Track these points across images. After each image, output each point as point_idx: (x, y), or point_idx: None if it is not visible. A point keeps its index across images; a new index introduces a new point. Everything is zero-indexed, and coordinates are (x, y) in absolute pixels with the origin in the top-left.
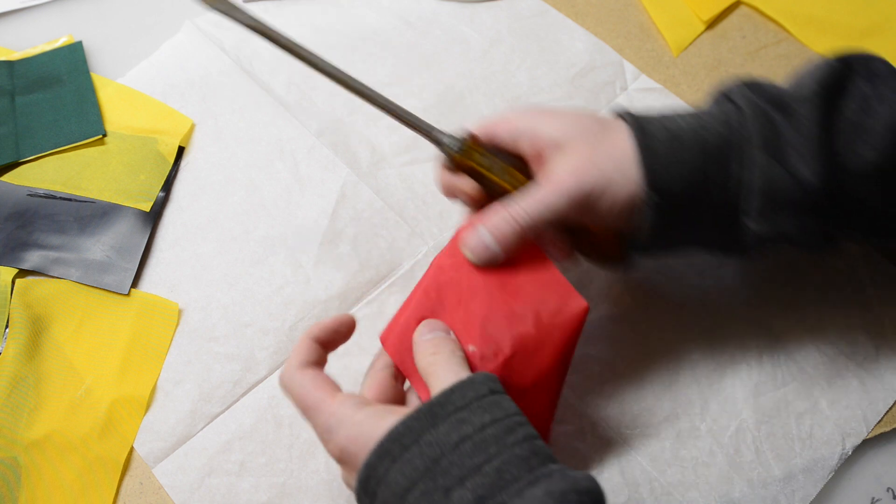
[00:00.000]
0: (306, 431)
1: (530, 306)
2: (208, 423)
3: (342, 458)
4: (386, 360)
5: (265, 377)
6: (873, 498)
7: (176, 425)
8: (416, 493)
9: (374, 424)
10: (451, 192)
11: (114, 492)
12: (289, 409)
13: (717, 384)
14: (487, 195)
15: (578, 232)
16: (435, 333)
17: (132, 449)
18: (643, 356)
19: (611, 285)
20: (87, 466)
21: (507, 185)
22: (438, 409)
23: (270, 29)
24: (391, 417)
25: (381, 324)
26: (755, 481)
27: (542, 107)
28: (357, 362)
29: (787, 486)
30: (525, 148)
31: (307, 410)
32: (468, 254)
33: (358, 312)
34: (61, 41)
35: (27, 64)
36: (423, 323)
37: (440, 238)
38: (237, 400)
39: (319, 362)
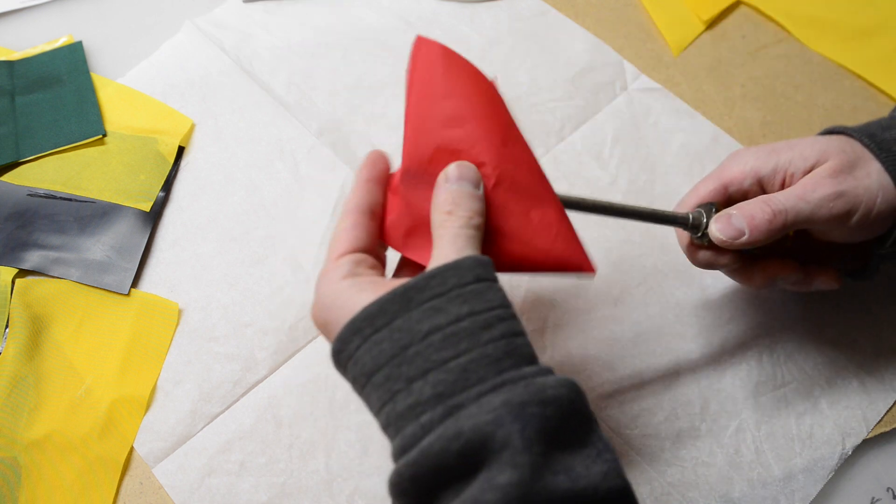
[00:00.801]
0: (306, 431)
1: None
2: (208, 423)
3: (318, 322)
4: (372, 173)
5: (265, 377)
6: (873, 498)
7: (176, 425)
8: (380, 377)
9: (351, 296)
10: (710, 266)
11: (114, 492)
12: (289, 409)
13: (717, 384)
14: (751, 259)
15: (817, 248)
16: (461, 184)
17: (132, 449)
18: (643, 356)
19: (610, 286)
20: (87, 466)
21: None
22: (415, 293)
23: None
24: (369, 294)
25: None
26: (755, 481)
27: (763, 146)
28: None
29: (787, 486)
30: (773, 185)
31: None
32: (717, 234)
33: None
34: (61, 41)
35: (27, 64)
36: (457, 165)
37: None
38: (237, 400)
39: (374, 205)
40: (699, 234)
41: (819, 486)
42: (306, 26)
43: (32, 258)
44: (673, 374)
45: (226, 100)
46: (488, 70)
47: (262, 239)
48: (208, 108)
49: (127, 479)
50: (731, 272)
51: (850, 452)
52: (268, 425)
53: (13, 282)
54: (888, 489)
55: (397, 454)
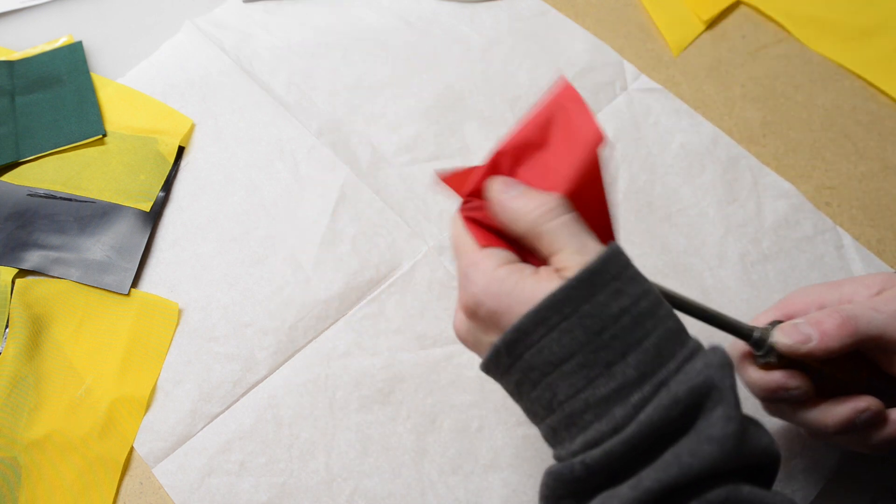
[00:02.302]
0: (306, 431)
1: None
2: (208, 423)
3: (473, 311)
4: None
5: (265, 377)
6: (873, 498)
7: (176, 425)
8: (572, 364)
9: (519, 285)
10: (777, 393)
11: (114, 492)
12: (289, 409)
13: None
14: (823, 390)
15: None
16: (518, 186)
17: (132, 449)
18: None
19: None
20: (87, 466)
21: (847, 377)
22: (597, 277)
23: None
24: (544, 283)
25: (382, 324)
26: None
27: (823, 283)
28: (357, 362)
29: (787, 487)
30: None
31: (455, 249)
32: (782, 338)
33: (358, 312)
34: (61, 41)
35: (27, 64)
36: (496, 179)
37: (440, 238)
38: (237, 400)
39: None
40: (763, 352)
41: (819, 486)
42: (306, 26)
43: (32, 258)
44: None
45: (226, 100)
46: (488, 70)
47: (262, 239)
48: (208, 108)
49: (127, 479)
50: (801, 412)
51: (850, 452)
52: (268, 425)
53: (13, 282)
54: (888, 489)
55: (603, 436)
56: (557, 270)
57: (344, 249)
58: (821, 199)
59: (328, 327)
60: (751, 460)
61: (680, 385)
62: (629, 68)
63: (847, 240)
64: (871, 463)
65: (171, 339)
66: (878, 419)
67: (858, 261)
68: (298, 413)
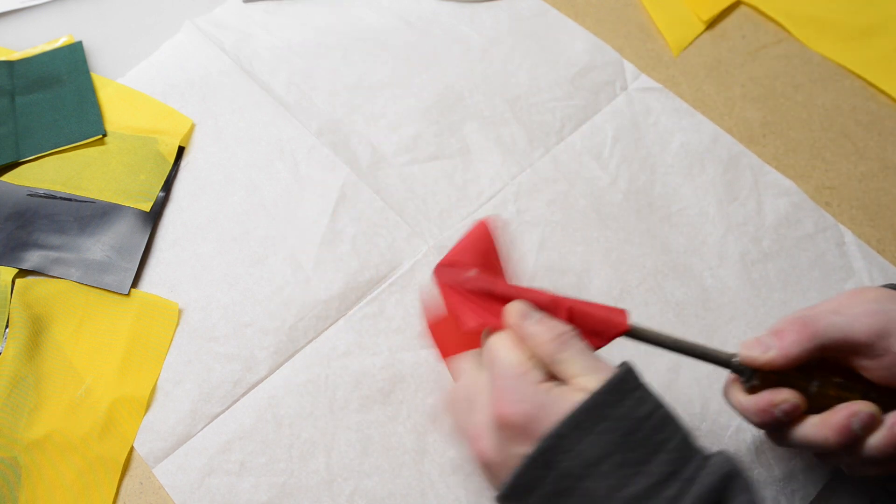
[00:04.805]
0: (306, 431)
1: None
2: (208, 423)
3: (513, 422)
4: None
5: (265, 377)
6: (873, 498)
7: (176, 425)
8: (608, 464)
9: (555, 399)
10: (767, 412)
11: (114, 492)
12: (289, 409)
13: (716, 384)
14: (816, 403)
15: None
16: (533, 315)
17: (132, 449)
18: (643, 356)
19: (610, 286)
20: (87, 466)
21: (840, 392)
22: (622, 386)
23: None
24: (576, 393)
25: (382, 324)
26: (755, 481)
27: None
28: (357, 362)
29: (787, 486)
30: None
31: (491, 362)
32: (743, 351)
33: (358, 312)
34: (61, 41)
35: (27, 64)
36: (514, 304)
37: (440, 238)
38: (237, 400)
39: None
40: (746, 377)
41: (819, 486)
42: (306, 26)
43: (32, 258)
44: (673, 374)
45: (226, 100)
46: (488, 70)
47: (262, 239)
48: (208, 108)
49: (127, 479)
50: (801, 432)
51: None
52: (268, 425)
53: (13, 282)
54: (888, 489)
55: None
56: (581, 389)
57: (344, 249)
58: (821, 199)
59: (328, 327)
60: None
61: (709, 477)
62: (629, 68)
63: (848, 237)
64: None
65: (171, 339)
66: (874, 422)
67: (860, 258)
68: (298, 413)
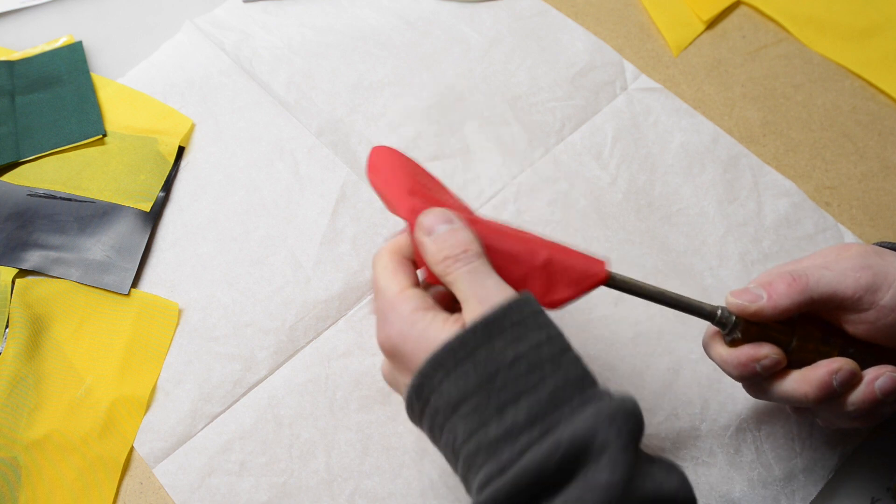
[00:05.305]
0: (306, 431)
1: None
2: (208, 423)
3: (390, 352)
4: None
5: (265, 377)
6: (873, 498)
7: (176, 425)
8: (467, 407)
9: (425, 330)
10: (748, 367)
11: (114, 492)
12: (289, 409)
13: (717, 384)
14: (797, 358)
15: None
16: (439, 228)
17: (132, 449)
18: (643, 356)
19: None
20: (87, 466)
21: (819, 346)
22: (494, 326)
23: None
24: (448, 328)
25: None
26: (755, 481)
27: (801, 261)
28: (357, 362)
29: (788, 486)
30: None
31: (375, 291)
32: (732, 299)
33: (358, 312)
34: (61, 41)
35: (27, 64)
36: (425, 214)
37: None
38: (237, 400)
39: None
40: (727, 330)
41: (819, 486)
42: (306, 26)
43: (32, 258)
44: (673, 374)
45: (226, 100)
46: (488, 70)
47: (262, 239)
48: (208, 108)
49: (127, 479)
50: (780, 386)
51: (850, 452)
52: (268, 425)
53: (13, 282)
54: (888, 489)
55: (491, 477)
56: (464, 320)
57: (344, 249)
58: (821, 199)
59: (328, 327)
60: None
61: (564, 431)
62: (629, 68)
63: (849, 237)
64: (871, 463)
65: (172, 339)
66: (854, 379)
67: None
68: (299, 413)
